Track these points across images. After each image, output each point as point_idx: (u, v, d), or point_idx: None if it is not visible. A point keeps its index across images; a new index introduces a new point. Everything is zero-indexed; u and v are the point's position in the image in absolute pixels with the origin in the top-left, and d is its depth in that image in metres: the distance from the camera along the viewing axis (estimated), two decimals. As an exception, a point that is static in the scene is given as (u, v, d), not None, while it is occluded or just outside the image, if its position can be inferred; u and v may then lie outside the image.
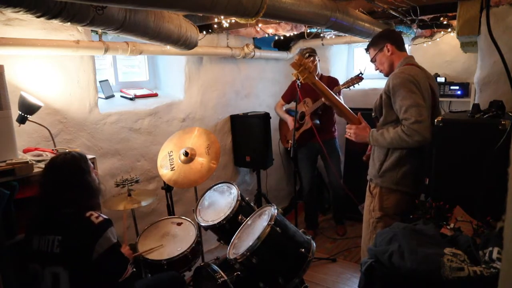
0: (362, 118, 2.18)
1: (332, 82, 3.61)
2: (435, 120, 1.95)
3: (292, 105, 3.84)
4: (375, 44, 2.18)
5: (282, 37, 3.69)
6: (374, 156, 2.16)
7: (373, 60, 2.22)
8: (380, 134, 2.00)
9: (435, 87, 2.09)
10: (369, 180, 2.22)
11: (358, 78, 3.25)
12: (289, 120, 3.69)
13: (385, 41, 2.13)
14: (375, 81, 4.30)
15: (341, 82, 3.62)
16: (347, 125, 2.19)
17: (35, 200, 1.77)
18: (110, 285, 1.72)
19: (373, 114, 2.19)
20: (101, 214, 1.73)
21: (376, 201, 2.12)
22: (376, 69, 2.25)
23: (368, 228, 2.17)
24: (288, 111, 3.80)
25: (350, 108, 4.02)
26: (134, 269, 1.81)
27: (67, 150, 1.88)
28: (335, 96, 2.20)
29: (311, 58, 3.57)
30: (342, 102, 2.27)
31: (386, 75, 2.18)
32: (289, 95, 3.86)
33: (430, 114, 1.98)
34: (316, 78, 2.17)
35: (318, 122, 3.56)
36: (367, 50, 2.27)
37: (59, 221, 1.69)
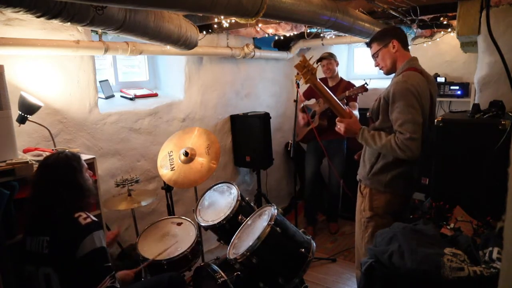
0: (353, 113, 2.15)
1: (350, 87, 3.66)
2: (435, 120, 1.95)
3: (309, 102, 3.95)
4: (380, 39, 2.11)
5: (282, 37, 3.69)
6: (365, 158, 2.15)
7: (375, 56, 2.15)
8: (371, 136, 1.98)
9: (434, 93, 2.07)
10: (359, 181, 2.21)
11: (362, 88, 3.31)
12: (300, 116, 3.75)
13: (391, 37, 2.07)
14: (375, 81, 4.30)
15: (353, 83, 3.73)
16: (337, 119, 2.13)
17: (28, 199, 1.76)
18: None
19: (368, 114, 2.17)
20: (90, 215, 1.71)
21: (366, 201, 2.12)
22: (376, 65, 2.19)
23: (360, 228, 2.18)
24: (304, 108, 3.83)
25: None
26: (117, 286, 1.70)
27: (66, 150, 1.87)
28: (335, 99, 2.18)
29: (325, 61, 3.68)
30: (345, 107, 2.24)
31: (386, 73, 2.15)
32: (308, 93, 3.91)
33: (426, 120, 1.96)
34: (318, 79, 2.14)
35: (326, 123, 3.57)
36: (369, 44, 2.20)
37: (48, 221, 1.68)
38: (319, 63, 3.74)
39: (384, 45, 2.08)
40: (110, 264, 1.72)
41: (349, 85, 3.73)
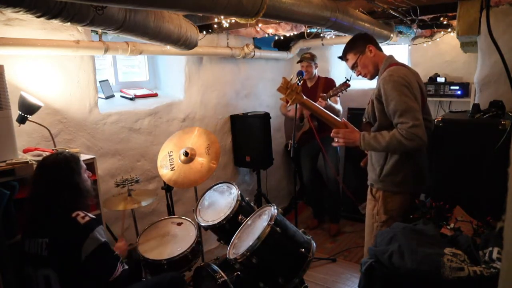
0: (349, 123, 2.13)
1: (328, 83, 3.71)
2: (435, 120, 1.95)
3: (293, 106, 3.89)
4: (355, 48, 2.11)
5: (282, 37, 3.69)
6: (373, 161, 2.12)
7: (354, 66, 2.15)
8: (373, 138, 1.94)
9: (422, 85, 2.05)
10: (370, 185, 2.17)
11: (345, 85, 3.32)
12: (290, 114, 3.74)
13: (365, 43, 2.08)
14: (375, 81, 4.30)
15: (338, 83, 3.70)
16: (334, 130, 2.10)
17: (27, 200, 1.76)
18: (100, 285, 1.70)
19: (364, 119, 2.14)
20: (88, 214, 1.72)
21: (380, 204, 2.07)
22: (358, 74, 2.18)
23: (372, 233, 2.12)
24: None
25: (350, 108, 4.02)
26: (126, 267, 1.78)
27: (67, 150, 1.87)
28: (324, 110, 2.17)
29: (305, 63, 3.69)
30: (331, 113, 2.22)
31: (371, 78, 2.14)
32: None
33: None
34: (304, 97, 2.11)
35: (316, 123, 3.58)
36: (344, 57, 2.18)
37: (46, 223, 1.69)
38: (300, 65, 3.76)
39: (361, 53, 2.09)
40: (115, 253, 1.77)
41: (328, 80, 3.76)
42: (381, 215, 2.07)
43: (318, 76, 3.85)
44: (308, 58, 3.73)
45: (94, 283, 1.68)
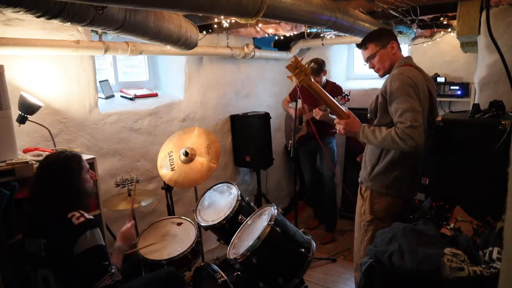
0: (351, 113, 2.10)
1: (334, 91, 3.63)
2: (435, 120, 1.95)
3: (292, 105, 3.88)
4: (379, 39, 2.06)
5: (282, 37, 3.69)
6: (366, 159, 2.12)
7: (371, 57, 2.09)
8: (371, 132, 1.93)
9: (433, 90, 2.04)
10: (360, 183, 2.18)
11: (343, 99, 3.32)
12: (292, 111, 3.70)
13: (390, 38, 2.05)
14: (375, 81, 4.31)
15: (338, 83, 3.78)
16: (335, 120, 2.09)
17: (27, 200, 1.76)
18: None
19: (368, 115, 2.14)
20: (84, 214, 1.69)
21: (366, 204, 2.09)
22: (371, 67, 2.14)
23: (360, 231, 2.14)
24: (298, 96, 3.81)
25: (350, 108, 4.02)
26: (113, 281, 1.69)
27: (69, 150, 1.86)
28: (331, 97, 2.16)
29: (312, 76, 3.62)
30: (339, 105, 2.21)
31: (382, 75, 2.11)
32: (294, 94, 3.87)
33: (425, 118, 1.94)
34: (312, 80, 2.09)
35: (315, 129, 3.56)
36: (363, 45, 2.11)
37: (44, 223, 1.68)
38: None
39: (383, 46, 2.05)
40: (107, 262, 1.70)
41: (335, 87, 3.71)
42: (367, 215, 2.09)
43: (327, 80, 3.79)
44: (315, 69, 3.54)
45: (83, 285, 1.64)
